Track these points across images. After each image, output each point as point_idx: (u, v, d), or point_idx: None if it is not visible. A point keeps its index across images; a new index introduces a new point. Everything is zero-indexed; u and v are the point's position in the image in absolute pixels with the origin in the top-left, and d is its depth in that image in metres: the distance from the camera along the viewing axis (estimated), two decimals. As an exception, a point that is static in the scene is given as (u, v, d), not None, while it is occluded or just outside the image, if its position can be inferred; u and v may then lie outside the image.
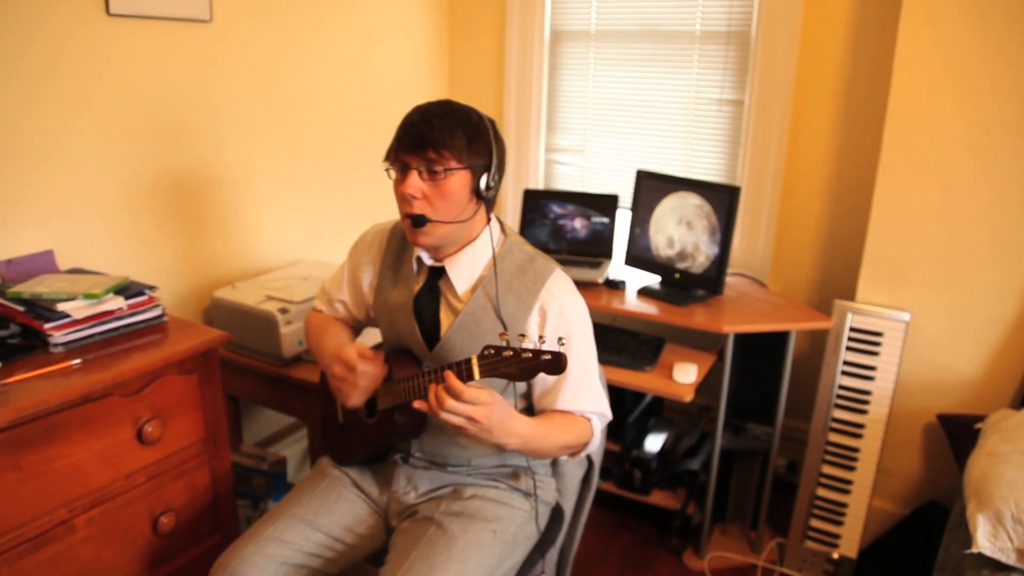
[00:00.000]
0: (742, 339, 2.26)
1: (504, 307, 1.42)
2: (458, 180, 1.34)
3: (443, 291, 1.48)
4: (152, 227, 2.08)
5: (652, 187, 2.49)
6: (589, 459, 1.69)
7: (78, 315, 1.58)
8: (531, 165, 3.06)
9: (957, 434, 2.09)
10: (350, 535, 1.52)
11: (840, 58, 2.43)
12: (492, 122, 1.40)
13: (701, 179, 2.49)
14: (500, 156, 1.40)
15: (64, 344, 1.57)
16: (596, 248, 2.65)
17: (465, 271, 1.45)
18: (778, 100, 2.50)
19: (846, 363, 2.25)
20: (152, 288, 1.73)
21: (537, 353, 1.18)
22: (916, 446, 2.33)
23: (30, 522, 1.42)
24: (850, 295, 2.32)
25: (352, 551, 1.52)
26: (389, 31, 2.82)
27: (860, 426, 2.25)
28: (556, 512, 1.64)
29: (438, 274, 1.48)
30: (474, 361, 1.21)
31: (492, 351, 1.20)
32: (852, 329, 2.23)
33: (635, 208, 2.55)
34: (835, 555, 2.31)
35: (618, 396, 2.39)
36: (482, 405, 1.21)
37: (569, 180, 3.07)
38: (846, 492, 2.29)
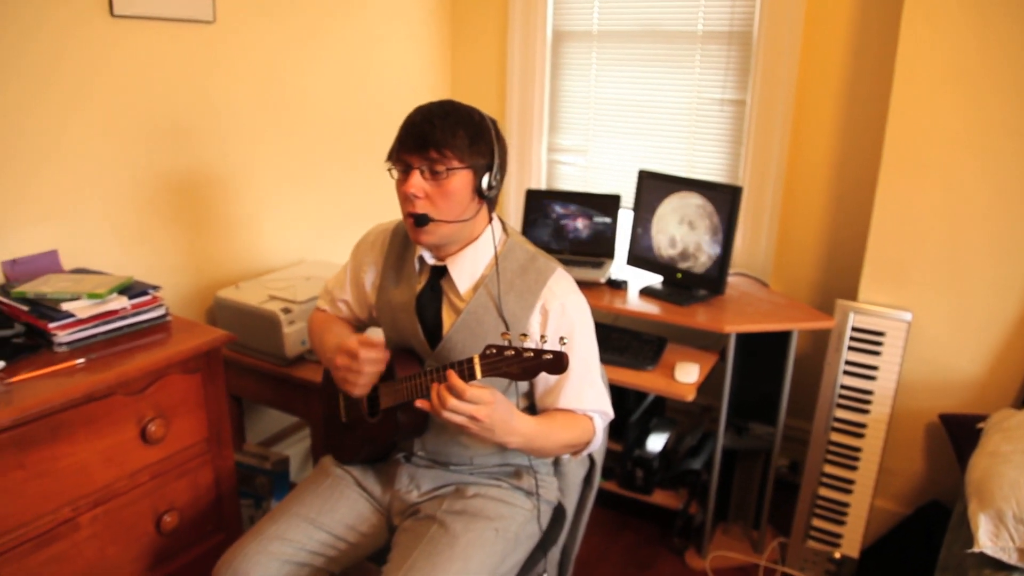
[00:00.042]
0: (744, 339, 2.26)
1: (506, 306, 1.42)
2: (460, 179, 1.35)
3: (445, 290, 1.48)
4: (156, 227, 2.09)
5: (654, 187, 2.50)
6: (591, 458, 1.70)
7: (82, 315, 1.59)
8: (533, 165, 3.07)
9: (959, 434, 2.09)
10: (353, 534, 1.53)
11: (842, 58, 2.43)
12: (494, 122, 1.41)
13: (703, 179, 2.49)
14: (502, 156, 1.40)
15: (68, 343, 1.58)
16: (598, 248, 2.66)
17: (467, 270, 1.46)
18: (780, 100, 2.50)
19: (848, 363, 2.25)
20: (156, 288, 1.74)
21: (539, 352, 1.18)
22: (918, 446, 2.33)
23: (34, 520, 1.43)
24: (852, 295, 2.32)
25: (355, 550, 1.53)
26: (391, 32, 2.82)
27: (862, 426, 2.25)
28: (558, 511, 1.65)
29: (440, 273, 1.48)
30: (476, 360, 1.22)
31: (494, 350, 1.21)
32: (854, 329, 2.23)
33: (637, 208, 2.55)
34: (837, 555, 2.31)
35: (620, 396, 2.40)
36: (484, 404, 1.21)
37: (571, 180, 3.07)
38: (848, 492, 2.29)
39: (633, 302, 2.41)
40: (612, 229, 2.64)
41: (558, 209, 2.68)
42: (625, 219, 2.65)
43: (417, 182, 1.34)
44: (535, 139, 3.03)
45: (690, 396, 2.14)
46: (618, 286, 2.50)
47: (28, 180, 1.78)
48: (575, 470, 1.69)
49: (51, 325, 1.55)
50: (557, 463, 1.66)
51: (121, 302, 1.66)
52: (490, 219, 1.47)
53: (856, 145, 2.46)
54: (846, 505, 2.29)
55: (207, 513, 1.78)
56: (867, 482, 2.26)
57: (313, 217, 2.61)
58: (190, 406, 1.69)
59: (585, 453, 1.51)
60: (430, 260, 1.48)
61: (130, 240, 2.03)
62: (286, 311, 2.05)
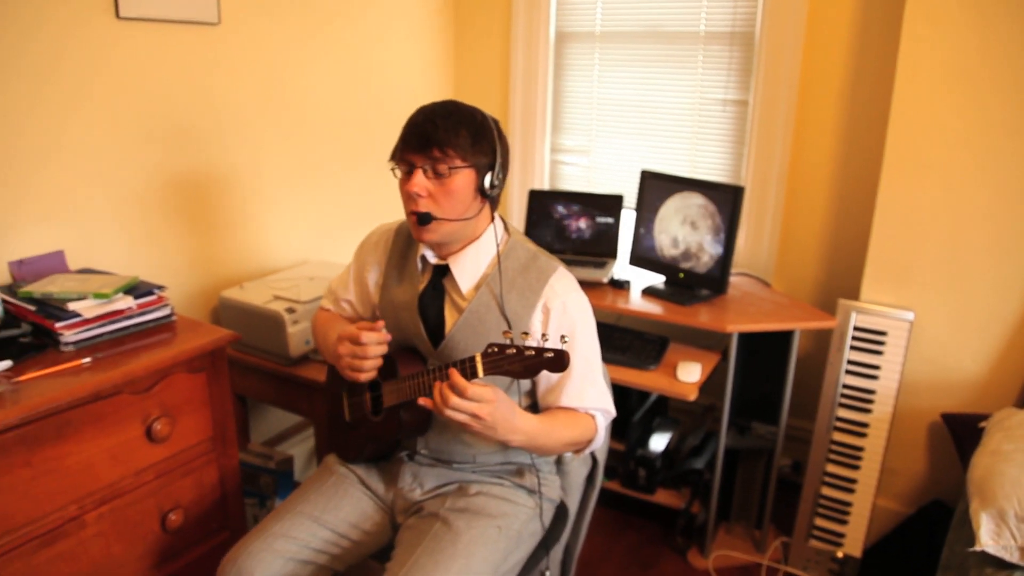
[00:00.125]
0: (746, 338, 2.27)
1: (508, 305, 1.43)
2: (462, 178, 1.36)
3: (447, 289, 1.49)
4: (161, 228, 2.10)
5: (656, 187, 2.50)
6: (593, 457, 1.70)
7: (88, 314, 1.61)
8: (536, 166, 3.07)
9: (961, 433, 2.09)
10: (356, 532, 1.54)
11: (844, 58, 2.44)
12: (496, 122, 1.42)
13: (705, 179, 2.50)
14: (504, 155, 1.41)
15: (75, 343, 1.59)
16: (601, 248, 2.66)
17: (469, 269, 1.47)
18: (782, 100, 2.51)
19: (850, 362, 2.25)
20: (161, 288, 1.75)
21: (540, 351, 1.19)
22: (920, 445, 2.33)
23: (42, 518, 1.44)
24: (854, 294, 2.32)
25: (358, 547, 1.54)
26: (395, 33, 2.83)
27: (864, 425, 2.26)
28: (560, 510, 1.65)
29: (442, 272, 1.49)
30: (478, 359, 1.23)
31: (496, 349, 1.22)
32: (856, 328, 2.24)
33: (640, 208, 2.56)
34: (839, 554, 2.32)
35: (623, 395, 2.40)
36: (486, 402, 1.22)
37: (574, 180, 3.08)
38: (850, 491, 2.29)
39: (635, 302, 2.41)
40: (615, 229, 2.65)
41: (561, 209, 2.69)
42: (628, 219, 2.65)
43: (420, 181, 1.36)
44: (538, 140, 3.04)
45: (692, 395, 2.15)
46: (621, 286, 2.51)
47: (34, 182, 1.79)
48: (578, 469, 1.69)
49: (58, 325, 1.57)
50: (560, 462, 1.66)
51: (127, 302, 1.67)
52: (492, 218, 1.48)
53: (858, 145, 2.47)
54: (848, 504, 2.30)
55: (212, 511, 1.79)
56: (869, 481, 2.27)
57: (317, 217, 2.62)
58: (195, 405, 1.70)
59: (587, 451, 1.52)
60: (432, 259, 1.49)
61: (136, 241, 2.04)
62: (290, 311, 2.06)
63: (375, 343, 1.39)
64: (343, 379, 1.55)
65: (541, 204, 2.71)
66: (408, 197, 1.38)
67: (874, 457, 2.25)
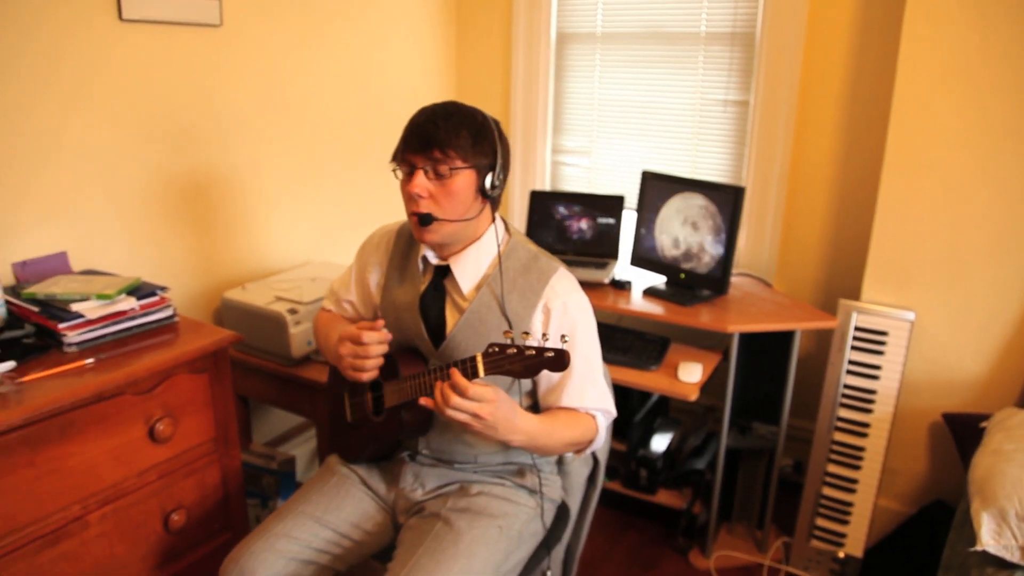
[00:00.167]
0: (747, 339, 2.27)
1: (509, 305, 1.44)
2: (463, 179, 1.37)
3: (448, 290, 1.50)
4: (164, 229, 2.11)
5: (657, 188, 2.51)
6: (595, 457, 1.71)
7: (91, 315, 1.61)
8: (538, 167, 3.08)
9: (962, 433, 2.10)
10: (358, 532, 1.54)
11: (844, 59, 2.44)
12: (496, 122, 1.42)
13: (706, 180, 2.50)
14: (505, 155, 1.42)
15: (78, 344, 1.60)
16: (602, 249, 2.67)
17: (470, 270, 1.47)
18: (783, 101, 2.51)
19: (851, 362, 2.25)
20: (164, 289, 1.76)
21: (540, 350, 1.20)
22: (922, 445, 2.33)
23: (44, 518, 1.45)
24: (855, 295, 2.33)
25: (360, 547, 1.54)
26: (396, 34, 2.84)
27: (865, 425, 2.26)
28: (562, 510, 1.66)
29: (444, 273, 1.50)
30: (479, 359, 1.24)
31: (496, 349, 1.22)
32: (857, 328, 2.24)
33: (641, 209, 2.56)
34: (841, 554, 2.32)
35: (624, 396, 2.41)
36: (487, 402, 1.23)
37: (575, 181, 3.09)
38: (852, 491, 2.29)
39: (637, 302, 2.42)
40: (616, 230, 2.66)
41: (562, 210, 2.70)
42: (629, 220, 2.66)
43: (421, 182, 1.36)
44: (539, 141, 3.05)
45: (693, 396, 2.15)
46: (622, 286, 2.51)
47: (37, 183, 1.80)
48: (579, 469, 1.70)
49: (61, 325, 1.57)
50: (561, 462, 1.67)
51: (130, 303, 1.68)
52: (493, 219, 1.48)
53: (859, 145, 2.47)
54: (850, 504, 2.30)
55: (214, 512, 1.80)
56: (871, 481, 2.27)
57: (319, 218, 2.63)
58: (197, 406, 1.70)
59: (588, 451, 1.52)
60: (433, 260, 1.50)
61: (138, 242, 2.05)
62: (292, 312, 2.07)
63: (376, 343, 1.39)
64: (344, 379, 1.56)
65: (542, 205, 2.72)
66: (409, 198, 1.39)
67: (875, 457, 2.25)
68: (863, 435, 2.27)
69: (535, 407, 1.53)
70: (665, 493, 2.49)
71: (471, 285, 1.47)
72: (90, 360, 1.55)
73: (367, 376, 1.42)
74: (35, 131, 1.78)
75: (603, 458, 1.72)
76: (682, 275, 2.45)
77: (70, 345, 1.59)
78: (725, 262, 2.35)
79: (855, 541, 2.30)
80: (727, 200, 2.33)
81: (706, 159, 2.78)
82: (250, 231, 2.38)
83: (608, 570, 2.38)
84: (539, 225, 2.71)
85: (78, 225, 1.90)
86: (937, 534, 2.06)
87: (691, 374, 2.20)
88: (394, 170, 1.42)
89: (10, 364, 1.49)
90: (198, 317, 2.22)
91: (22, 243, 1.79)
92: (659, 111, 2.83)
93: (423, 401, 1.28)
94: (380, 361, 1.42)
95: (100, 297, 1.64)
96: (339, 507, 1.55)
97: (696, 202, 2.40)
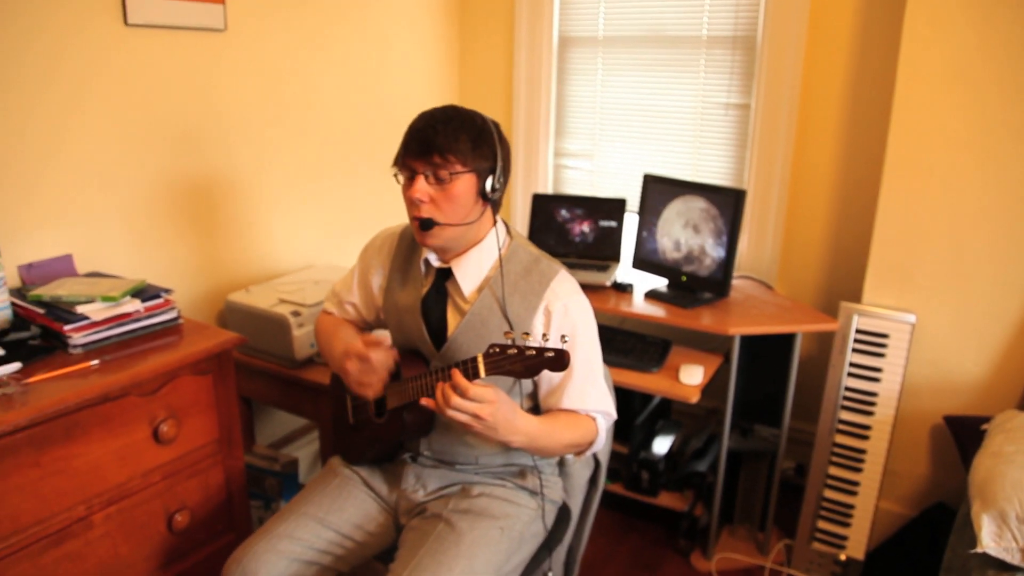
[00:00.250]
0: (748, 341, 2.27)
1: (510, 307, 1.45)
2: (464, 183, 1.38)
3: (450, 292, 1.51)
4: (168, 232, 2.13)
5: (659, 191, 2.52)
6: (596, 459, 1.71)
7: (97, 317, 1.62)
8: (540, 170, 3.09)
9: (963, 435, 2.10)
10: (360, 533, 1.55)
11: (845, 62, 2.44)
12: (496, 125, 1.43)
13: (707, 183, 2.51)
14: (505, 158, 1.43)
15: (83, 345, 1.61)
16: (604, 251, 2.68)
17: (472, 272, 1.48)
18: (784, 104, 2.52)
19: (852, 365, 2.26)
20: (168, 291, 1.77)
21: (541, 350, 1.21)
22: (923, 448, 2.33)
23: (49, 518, 1.46)
24: (856, 297, 2.33)
25: (362, 548, 1.55)
26: (400, 38, 2.86)
27: (867, 428, 2.26)
28: (563, 511, 1.67)
29: (445, 275, 1.51)
30: (480, 359, 1.25)
31: (497, 349, 1.23)
32: (858, 331, 2.24)
33: (642, 212, 2.57)
34: (842, 557, 2.32)
35: (626, 398, 2.41)
36: (487, 403, 1.24)
37: (578, 184, 3.10)
38: (853, 494, 2.30)
39: (638, 305, 2.42)
40: (618, 233, 2.66)
41: (564, 213, 2.71)
42: (630, 223, 2.67)
43: (422, 187, 1.37)
44: (542, 144, 3.06)
45: (695, 398, 2.16)
46: (623, 289, 2.52)
47: (43, 186, 1.82)
48: (580, 471, 1.70)
49: (66, 327, 1.58)
50: (562, 464, 1.68)
51: (134, 305, 1.69)
52: (494, 221, 1.49)
53: (860, 148, 2.48)
54: (851, 507, 2.30)
55: (217, 513, 1.81)
56: (872, 484, 2.27)
57: (322, 222, 2.64)
58: (201, 407, 1.71)
59: (589, 453, 1.53)
60: (435, 263, 1.51)
61: (143, 245, 2.06)
62: (295, 314, 2.08)
63: (382, 360, 1.41)
64: (346, 382, 1.57)
65: (545, 208, 2.73)
66: (410, 203, 1.40)
67: (876, 460, 2.26)
68: (864, 437, 2.27)
69: (536, 409, 1.54)
70: (667, 495, 2.50)
71: (472, 287, 1.48)
72: (95, 361, 1.57)
73: (372, 393, 1.44)
74: (42, 134, 1.80)
75: (604, 460, 1.72)
76: (683, 278, 2.46)
77: (75, 347, 1.60)
78: (726, 265, 2.35)
79: (856, 543, 2.30)
80: (728, 203, 2.34)
81: (708, 162, 2.78)
82: (254, 234, 2.39)
83: (609, 572, 2.39)
84: (541, 228, 2.72)
85: (83, 228, 1.92)
86: (938, 536, 2.06)
87: (693, 376, 2.20)
88: (395, 175, 1.44)
89: (16, 365, 1.50)
90: (202, 319, 2.23)
91: (28, 245, 1.81)
92: (661, 114, 2.84)
93: (424, 401, 1.29)
94: (386, 378, 1.44)
95: (105, 299, 1.65)
96: (341, 508, 1.55)
97: (697, 205, 2.41)
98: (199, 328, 1.79)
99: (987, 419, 2.04)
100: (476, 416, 1.24)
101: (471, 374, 1.25)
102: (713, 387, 2.33)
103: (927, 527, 2.27)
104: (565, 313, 1.45)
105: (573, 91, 3.01)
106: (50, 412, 1.41)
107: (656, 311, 2.37)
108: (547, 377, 1.46)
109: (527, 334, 1.23)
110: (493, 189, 1.41)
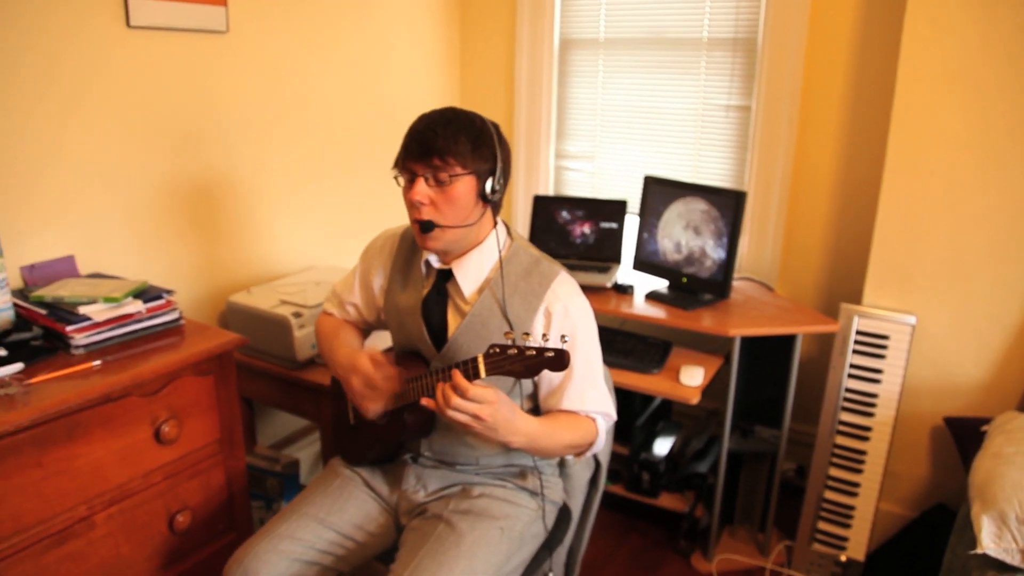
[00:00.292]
0: (749, 342, 2.28)
1: (510, 308, 1.45)
2: (464, 185, 1.38)
3: (451, 293, 1.51)
4: (170, 234, 2.13)
5: (660, 193, 2.52)
6: (596, 460, 1.72)
7: (98, 318, 1.63)
8: (541, 171, 3.10)
9: (963, 436, 2.10)
10: (361, 533, 1.56)
11: (846, 63, 2.45)
12: (496, 126, 1.43)
13: (708, 184, 2.51)
14: (505, 160, 1.43)
15: (85, 346, 1.61)
16: (605, 253, 2.68)
17: (472, 274, 1.48)
18: (785, 106, 2.52)
19: (853, 366, 2.26)
20: (170, 292, 1.78)
21: (541, 350, 1.21)
22: (923, 449, 2.33)
23: (51, 518, 1.46)
24: (856, 299, 2.33)
25: (363, 549, 1.56)
26: (402, 40, 2.86)
27: (867, 429, 2.26)
28: (563, 512, 1.67)
29: (446, 277, 1.51)
30: (480, 359, 1.25)
31: (497, 349, 1.24)
32: (859, 332, 2.25)
33: (643, 213, 2.57)
34: (843, 558, 2.32)
35: (627, 399, 2.42)
36: (487, 403, 1.24)
37: (579, 186, 3.10)
38: (853, 495, 2.30)
39: (639, 306, 2.43)
40: (618, 234, 2.67)
41: (565, 215, 2.71)
42: (631, 224, 2.67)
43: (422, 189, 1.38)
44: (543, 146, 3.07)
45: (695, 399, 2.16)
46: (624, 290, 2.53)
47: (45, 187, 1.82)
48: (580, 472, 1.71)
49: (68, 328, 1.59)
50: (562, 464, 1.68)
51: (136, 306, 1.69)
52: (495, 223, 1.50)
53: (860, 149, 2.48)
54: (851, 508, 2.30)
55: (219, 513, 1.81)
56: (872, 485, 2.27)
57: (323, 223, 2.65)
58: (203, 408, 1.72)
59: (589, 454, 1.54)
60: (436, 264, 1.51)
61: (145, 246, 2.07)
62: (297, 315, 2.08)
63: (387, 379, 1.44)
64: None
65: (546, 210, 2.73)
66: (411, 205, 1.40)
67: (877, 461, 2.26)
68: (865, 439, 2.27)
69: (536, 410, 1.54)
70: (667, 496, 2.50)
71: (473, 289, 1.49)
72: (97, 362, 1.57)
73: (372, 413, 1.45)
74: (44, 135, 1.80)
75: (605, 461, 1.73)
76: (684, 279, 2.46)
77: (77, 347, 1.60)
78: (727, 266, 2.35)
79: (857, 545, 2.30)
80: (729, 204, 2.34)
81: (708, 164, 2.79)
82: (255, 235, 2.40)
83: (610, 572, 2.39)
84: (542, 229, 2.73)
85: (85, 229, 1.92)
86: (939, 538, 2.06)
87: (693, 378, 2.21)
88: (396, 177, 1.44)
89: (18, 366, 1.51)
90: (204, 320, 2.24)
91: (30, 247, 1.81)
92: (662, 116, 2.84)
93: (424, 402, 1.30)
94: (389, 402, 1.45)
95: (107, 300, 1.65)
96: (342, 509, 1.56)
97: (698, 207, 2.42)
98: (200, 329, 1.80)
99: (987, 420, 2.04)
100: (476, 416, 1.24)
101: (471, 374, 1.26)
102: (714, 388, 2.33)
103: (927, 528, 2.27)
104: (565, 314, 1.45)
105: (574, 93, 3.02)
106: (52, 412, 1.41)
107: (657, 312, 2.37)
108: (547, 378, 1.46)
109: (527, 334, 1.23)
110: (493, 191, 1.42)
